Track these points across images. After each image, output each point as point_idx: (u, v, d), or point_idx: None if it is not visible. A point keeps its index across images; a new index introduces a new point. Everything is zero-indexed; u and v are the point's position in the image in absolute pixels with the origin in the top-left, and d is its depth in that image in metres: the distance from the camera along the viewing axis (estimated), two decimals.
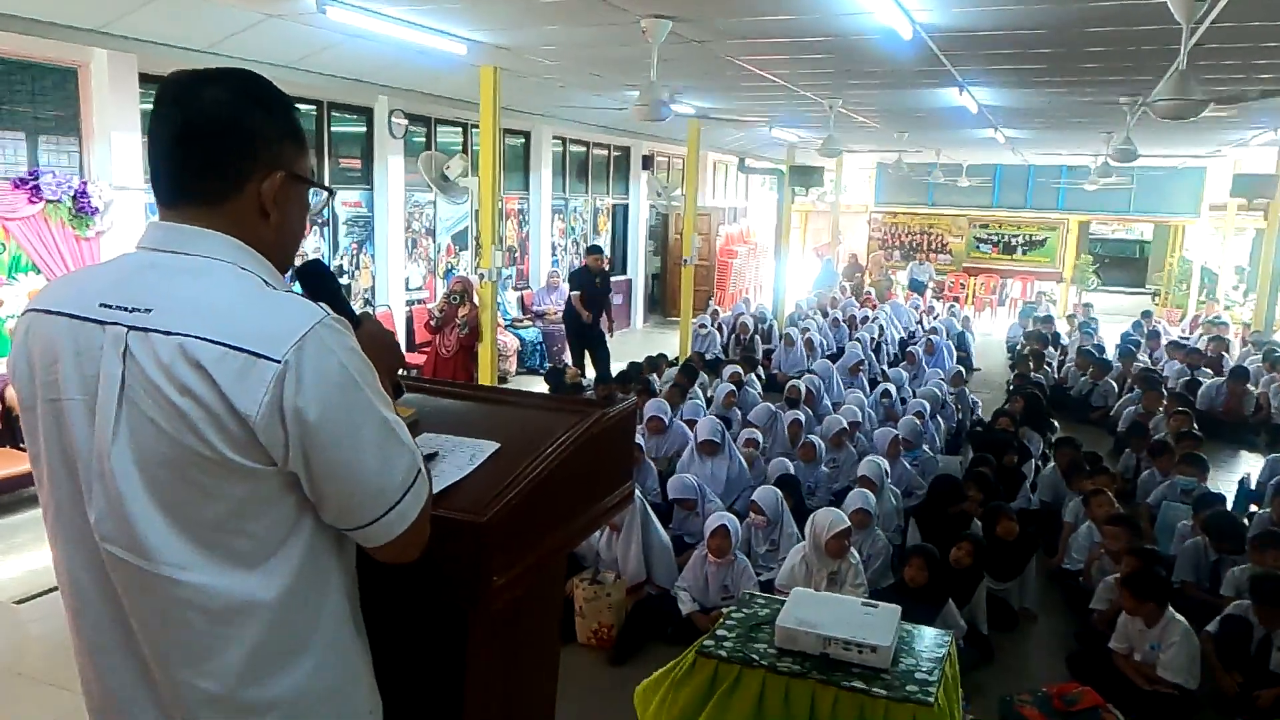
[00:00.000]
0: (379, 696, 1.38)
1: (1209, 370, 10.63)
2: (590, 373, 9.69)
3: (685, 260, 10.80)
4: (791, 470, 6.06)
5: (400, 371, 1.54)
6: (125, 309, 1.19)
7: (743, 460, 6.18)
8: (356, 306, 9.41)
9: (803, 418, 6.99)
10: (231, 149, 1.25)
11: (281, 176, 1.29)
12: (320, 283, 1.43)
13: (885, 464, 5.93)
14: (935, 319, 14.31)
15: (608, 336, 10.08)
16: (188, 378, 1.13)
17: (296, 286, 1.37)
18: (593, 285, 9.58)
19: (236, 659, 1.20)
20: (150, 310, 1.17)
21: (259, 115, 1.27)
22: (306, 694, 1.26)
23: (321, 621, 1.27)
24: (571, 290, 9.81)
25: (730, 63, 7.22)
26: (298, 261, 1.44)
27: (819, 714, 2.82)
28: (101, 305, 1.21)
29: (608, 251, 14.51)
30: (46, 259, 6.38)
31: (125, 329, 1.18)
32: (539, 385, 9.48)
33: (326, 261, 9.19)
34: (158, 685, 1.24)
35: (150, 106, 1.34)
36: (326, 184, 1.37)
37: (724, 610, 3.82)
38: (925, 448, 7.05)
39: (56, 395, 1.23)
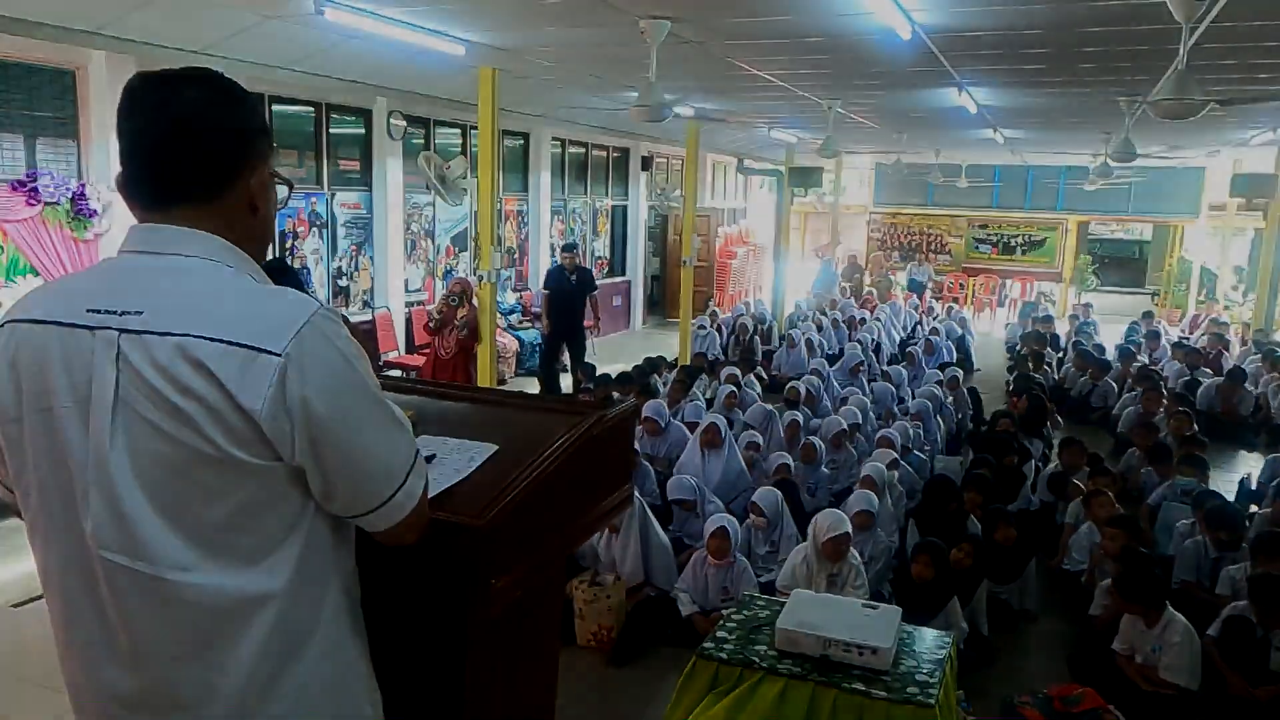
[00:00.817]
0: (378, 691, 1.38)
1: (1209, 370, 10.63)
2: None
3: (684, 261, 10.79)
4: (791, 464, 6.05)
5: (398, 373, 1.55)
6: (114, 312, 1.18)
7: (743, 461, 6.16)
8: (355, 308, 9.27)
9: (800, 418, 6.98)
10: (226, 147, 1.26)
11: (267, 170, 1.30)
12: (285, 281, 1.44)
13: (894, 456, 5.93)
14: (935, 320, 14.31)
15: (590, 336, 9.92)
16: (189, 377, 1.12)
17: None
18: (568, 283, 9.48)
19: (247, 653, 1.20)
20: (141, 313, 1.16)
21: (241, 112, 1.28)
22: (310, 686, 1.26)
23: (323, 615, 1.27)
24: (545, 287, 9.76)
25: (729, 63, 7.21)
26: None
27: (818, 716, 2.81)
28: (89, 310, 1.19)
29: (606, 253, 14.53)
30: (45, 261, 6.37)
31: (116, 332, 1.16)
32: (537, 387, 9.47)
33: (326, 263, 9.19)
34: (157, 691, 1.23)
35: None
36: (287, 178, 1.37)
37: (724, 612, 3.81)
38: (918, 452, 7.03)
39: (47, 404, 1.21)
